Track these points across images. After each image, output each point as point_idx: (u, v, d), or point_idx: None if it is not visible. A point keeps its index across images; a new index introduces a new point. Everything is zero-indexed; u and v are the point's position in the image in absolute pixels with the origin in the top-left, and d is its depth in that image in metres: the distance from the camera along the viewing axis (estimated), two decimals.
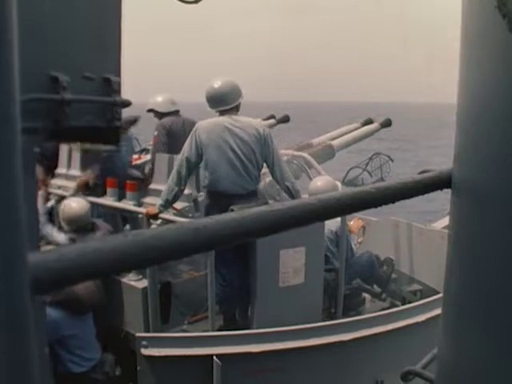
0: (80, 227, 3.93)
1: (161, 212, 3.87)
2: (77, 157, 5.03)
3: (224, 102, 3.87)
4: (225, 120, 3.85)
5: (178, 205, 4.05)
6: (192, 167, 3.88)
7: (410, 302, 4.36)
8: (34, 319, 0.49)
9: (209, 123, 3.87)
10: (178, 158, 3.88)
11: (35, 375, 0.48)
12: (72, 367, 3.41)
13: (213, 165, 3.79)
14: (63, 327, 3.32)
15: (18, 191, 0.45)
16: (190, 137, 3.87)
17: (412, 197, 0.98)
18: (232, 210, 3.42)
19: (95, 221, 4.16)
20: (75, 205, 4.02)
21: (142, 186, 4.52)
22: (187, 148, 3.83)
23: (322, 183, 4.50)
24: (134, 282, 3.99)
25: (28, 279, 0.48)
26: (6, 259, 0.45)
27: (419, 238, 5.50)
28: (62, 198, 4.52)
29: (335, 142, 7.27)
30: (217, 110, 3.93)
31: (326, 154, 7.02)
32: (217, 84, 3.91)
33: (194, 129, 3.90)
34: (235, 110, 3.93)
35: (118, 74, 1.58)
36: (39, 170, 4.69)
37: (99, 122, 1.53)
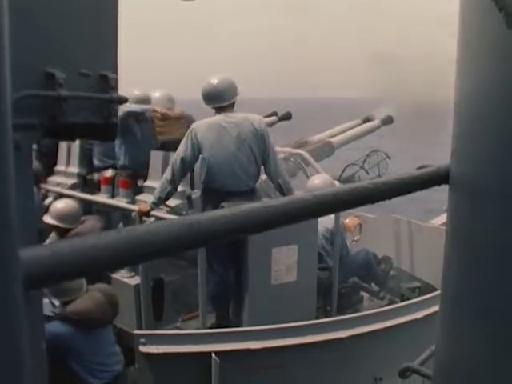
0: (69, 224, 3.90)
1: (152, 209, 3.85)
2: (76, 154, 5.02)
3: (221, 98, 3.82)
4: (221, 119, 3.80)
5: (172, 202, 4.01)
6: (187, 167, 3.85)
7: (408, 299, 4.35)
8: (28, 314, 0.49)
9: (205, 123, 3.83)
10: (173, 157, 3.84)
11: (26, 370, 0.47)
12: (90, 379, 3.22)
13: (209, 162, 3.76)
14: (72, 341, 3.18)
15: (9, 188, 0.45)
16: (185, 136, 3.82)
17: (409, 192, 0.97)
18: (222, 207, 3.40)
19: (84, 218, 4.12)
20: (65, 202, 4.04)
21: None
22: (183, 148, 3.79)
23: (320, 181, 4.42)
24: (127, 278, 3.98)
25: (20, 275, 0.48)
26: None
27: (418, 234, 5.49)
28: (60, 196, 4.51)
29: (335, 140, 7.23)
30: (213, 107, 3.88)
31: (325, 151, 6.96)
32: (214, 81, 3.84)
33: (189, 129, 3.86)
34: (231, 107, 3.88)
35: (115, 70, 1.58)
36: (37, 167, 4.67)
37: (96, 119, 1.53)
